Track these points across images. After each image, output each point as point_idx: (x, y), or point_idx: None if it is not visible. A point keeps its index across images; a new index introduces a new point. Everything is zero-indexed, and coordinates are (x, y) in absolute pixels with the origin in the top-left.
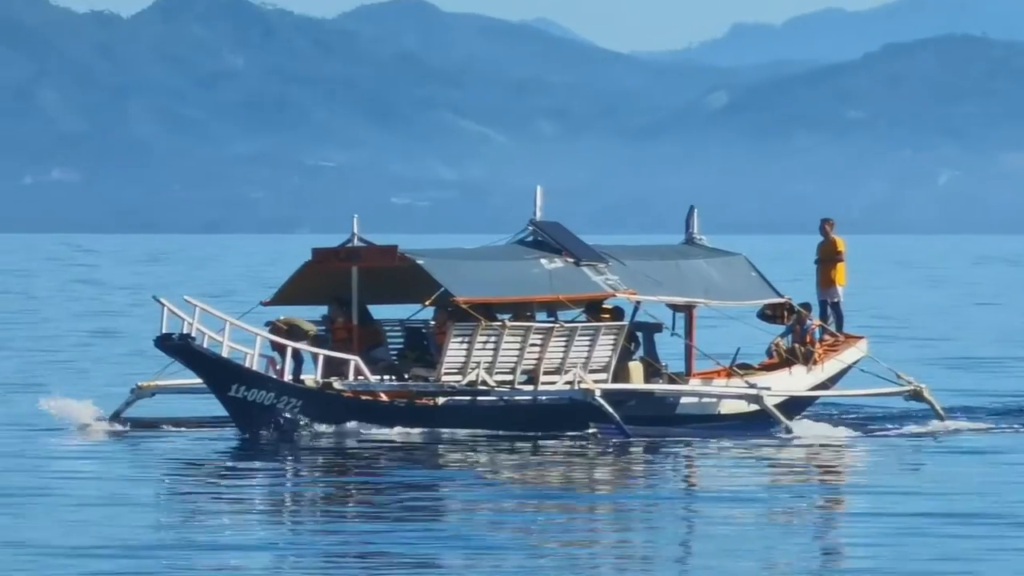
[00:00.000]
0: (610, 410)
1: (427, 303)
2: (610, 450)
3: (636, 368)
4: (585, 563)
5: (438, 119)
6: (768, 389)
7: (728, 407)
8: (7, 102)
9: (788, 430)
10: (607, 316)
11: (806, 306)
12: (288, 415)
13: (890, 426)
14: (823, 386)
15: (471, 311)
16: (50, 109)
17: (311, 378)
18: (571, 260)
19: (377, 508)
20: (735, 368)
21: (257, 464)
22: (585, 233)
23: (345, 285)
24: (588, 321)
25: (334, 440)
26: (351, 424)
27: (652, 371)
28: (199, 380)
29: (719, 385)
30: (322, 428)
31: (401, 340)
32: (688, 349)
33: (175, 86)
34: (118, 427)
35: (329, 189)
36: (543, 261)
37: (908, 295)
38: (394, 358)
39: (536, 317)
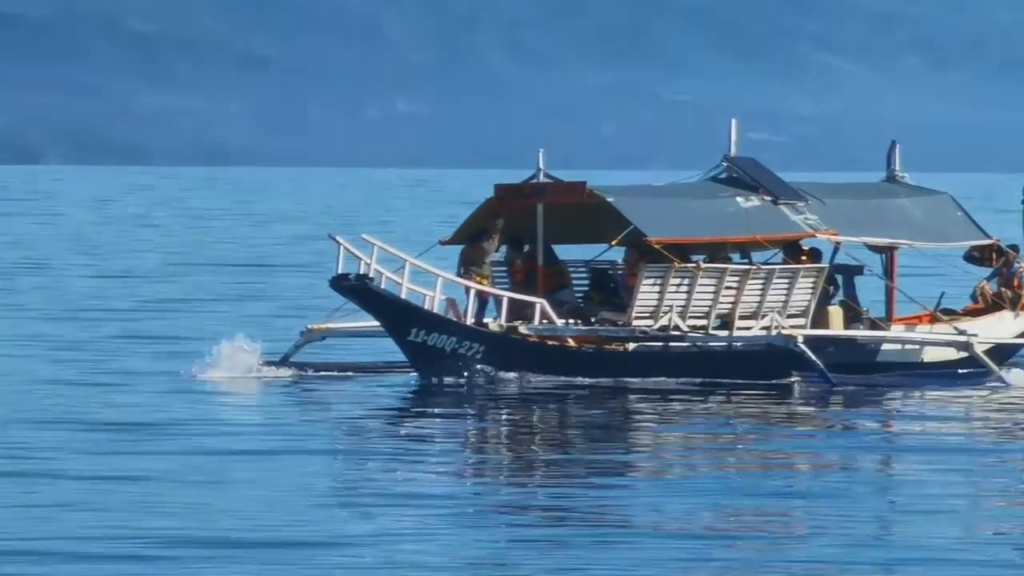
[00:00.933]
0: (813, 357)
1: (614, 243)
2: (812, 400)
3: (836, 313)
4: (777, 524)
5: (797, 52)
6: (976, 336)
7: (933, 354)
8: (352, 32)
9: (1001, 379)
10: (805, 258)
11: (1015, 248)
12: (471, 361)
13: None
14: None
15: (664, 251)
16: (397, 39)
17: (494, 322)
18: (768, 198)
19: (564, 463)
20: (939, 313)
21: (436, 411)
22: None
23: (528, 224)
24: (785, 263)
25: (518, 388)
26: (536, 371)
27: (852, 316)
28: (372, 323)
29: (924, 331)
30: (505, 375)
31: (586, 282)
32: (889, 293)
33: (527, 16)
34: (288, 371)
35: (684, 124)
36: (739, 199)
37: None
38: (579, 301)
39: (730, 259)
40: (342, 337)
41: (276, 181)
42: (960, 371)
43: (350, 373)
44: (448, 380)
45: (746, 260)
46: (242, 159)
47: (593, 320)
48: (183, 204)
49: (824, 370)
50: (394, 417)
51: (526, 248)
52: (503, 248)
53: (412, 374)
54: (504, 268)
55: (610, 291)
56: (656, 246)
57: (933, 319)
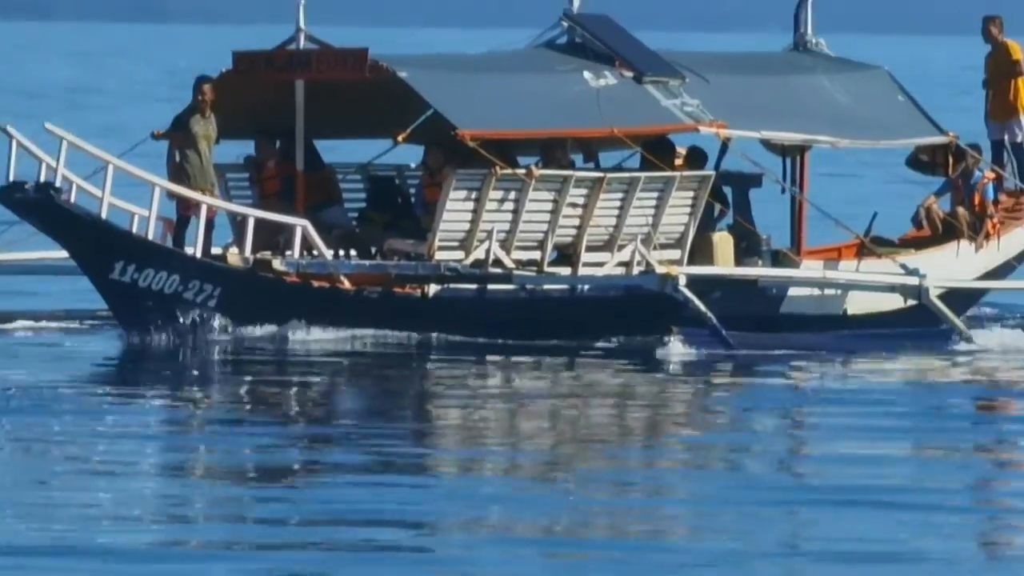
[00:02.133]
0: (701, 307)
1: (403, 138)
2: (694, 371)
3: (724, 242)
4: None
5: None
6: (927, 276)
7: (864, 303)
8: None
9: (967, 339)
10: (680, 162)
11: (975, 148)
12: (200, 309)
13: None
14: (1000, 272)
15: (481, 151)
16: None
17: (233, 253)
18: (628, 74)
19: (330, 461)
20: (870, 243)
21: (145, 386)
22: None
23: (282, 109)
24: (650, 169)
25: (269, 348)
26: (296, 325)
27: (748, 247)
28: (57, 253)
29: (853, 269)
30: (251, 329)
31: (363, 196)
32: (798, 213)
33: None
34: None
35: None
36: (587, 75)
37: None
38: (354, 223)
39: (572, 162)
40: (8, 275)
41: None
42: (908, 329)
43: (17, 326)
44: (166, 337)
45: (592, 165)
46: None
47: (375, 250)
48: None
49: (717, 325)
50: (79, 395)
51: (278, 145)
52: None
53: (114, 328)
54: (245, 174)
55: (398, 209)
56: (470, 143)
57: (861, 251)
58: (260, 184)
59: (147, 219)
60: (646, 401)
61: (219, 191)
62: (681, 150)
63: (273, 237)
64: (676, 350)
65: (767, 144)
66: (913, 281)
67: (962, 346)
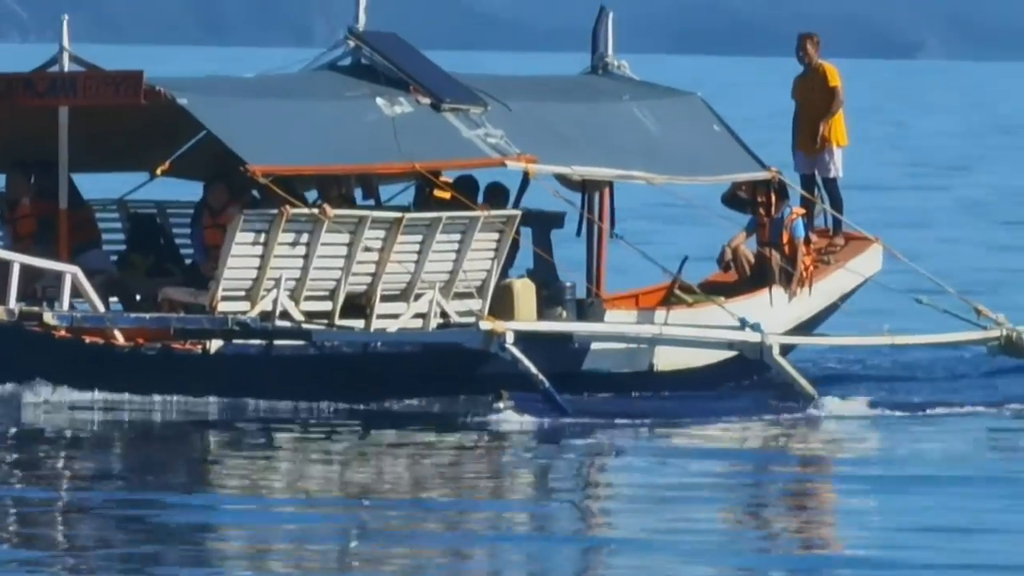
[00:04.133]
0: (532, 368)
1: (162, 170)
2: (524, 446)
3: (525, 290)
4: None
5: None
6: (765, 330)
7: (672, 358)
8: None
9: (816, 405)
10: (470, 200)
11: (780, 185)
12: None
13: (967, 403)
14: (816, 322)
15: (275, 188)
16: None
17: None
18: (426, 101)
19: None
20: (679, 288)
21: None
22: None
23: (39, 139)
24: (422, 205)
25: (29, 414)
26: (61, 383)
27: (551, 296)
28: None
29: (663, 320)
30: (12, 389)
31: (121, 236)
32: (598, 254)
33: None
34: None
35: None
36: (380, 102)
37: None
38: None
39: (352, 199)
40: None
41: None
42: (752, 393)
43: None
44: None
45: (372, 201)
46: None
47: (139, 298)
48: None
49: (551, 389)
50: None
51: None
52: None
53: None
54: None
55: (161, 251)
56: (262, 180)
57: (669, 299)
58: (13, 224)
59: None
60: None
61: None
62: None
63: (29, 285)
64: (507, 417)
65: (563, 179)
66: (754, 338)
67: (808, 410)
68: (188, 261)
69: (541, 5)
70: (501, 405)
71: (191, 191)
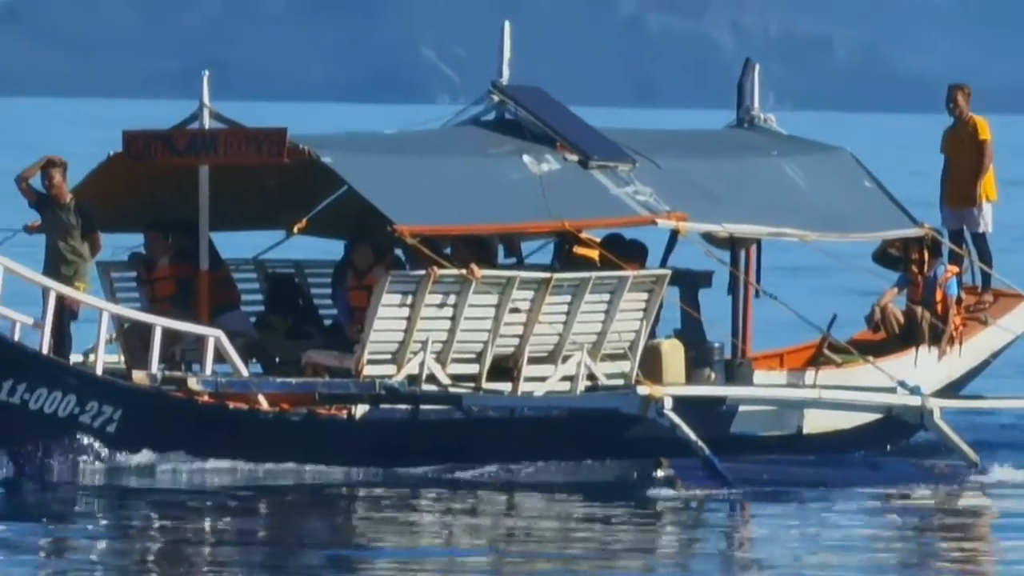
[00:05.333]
0: (692, 435)
1: (299, 228)
2: (688, 516)
3: (673, 351)
4: None
5: None
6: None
7: (819, 420)
8: None
9: (979, 470)
10: (601, 258)
11: (935, 241)
12: (96, 437)
13: None
14: (961, 382)
15: (423, 249)
16: None
17: (142, 372)
18: (573, 158)
19: None
20: (828, 349)
21: (34, 531)
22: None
23: (178, 199)
24: (561, 263)
25: (176, 483)
26: (207, 453)
27: (699, 357)
28: None
29: (830, 380)
30: (156, 458)
31: (259, 297)
32: (744, 312)
33: None
34: None
35: None
36: (527, 159)
37: None
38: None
39: (495, 258)
40: None
41: None
42: (909, 460)
43: None
44: (57, 471)
45: (515, 259)
46: None
47: (278, 360)
48: None
49: (713, 458)
50: None
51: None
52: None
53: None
54: (132, 273)
55: (300, 312)
56: (410, 240)
57: (818, 359)
58: (151, 286)
59: (40, 329)
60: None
61: (104, 293)
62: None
63: (167, 349)
64: (665, 486)
65: (709, 236)
66: (914, 401)
67: (969, 475)
68: (327, 322)
69: (685, 61)
70: (660, 472)
71: (327, 250)
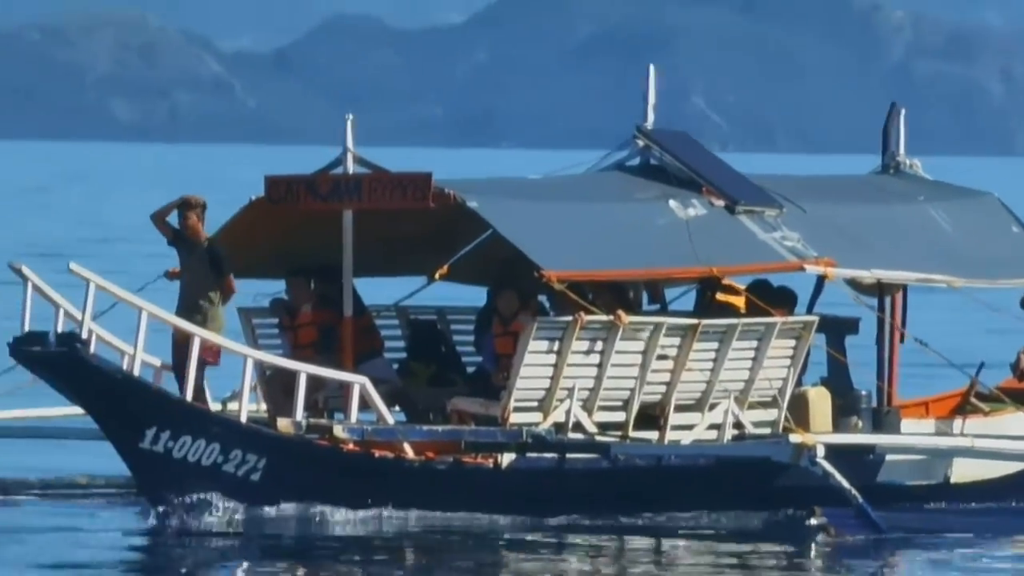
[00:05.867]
0: (845, 483)
1: (440, 274)
2: (840, 562)
3: (820, 399)
4: None
5: None
6: None
7: (967, 470)
8: None
9: None
10: (746, 304)
11: None
12: (241, 485)
13: None
14: None
15: (571, 295)
16: None
17: (285, 421)
18: (720, 203)
19: None
20: (975, 396)
21: None
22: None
23: (321, 245)
24: (704, 309)
25: (320, 531)
26: (350, 502)
27: (846, 405)
28: (71, 411)
29: (978, 429)
30: (302, 507)
31: (401, 344)
32: (890, 360)
33: None
34: None
35: None
36: (673, 204)
37: None
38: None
39: (639, 304)
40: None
41: None
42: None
43: (21, 498)
44: (201, 519)
45: (658, 306)
46: None
47: (420, 407)
48: None
49: (866, 507)
50: None
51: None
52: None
53: (131, 502)
54: (274, 319)
55: (442, 359)
56: (557, 286)
57: (965, 407)
58: (293, 332)
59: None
60: None
61: (245, 340)
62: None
63: (309, 396)
64: (818, 534)
65: (856, 282)
66: None
67: None
68: (469, 369)
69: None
70: (813, 520)
71: (467, 296)
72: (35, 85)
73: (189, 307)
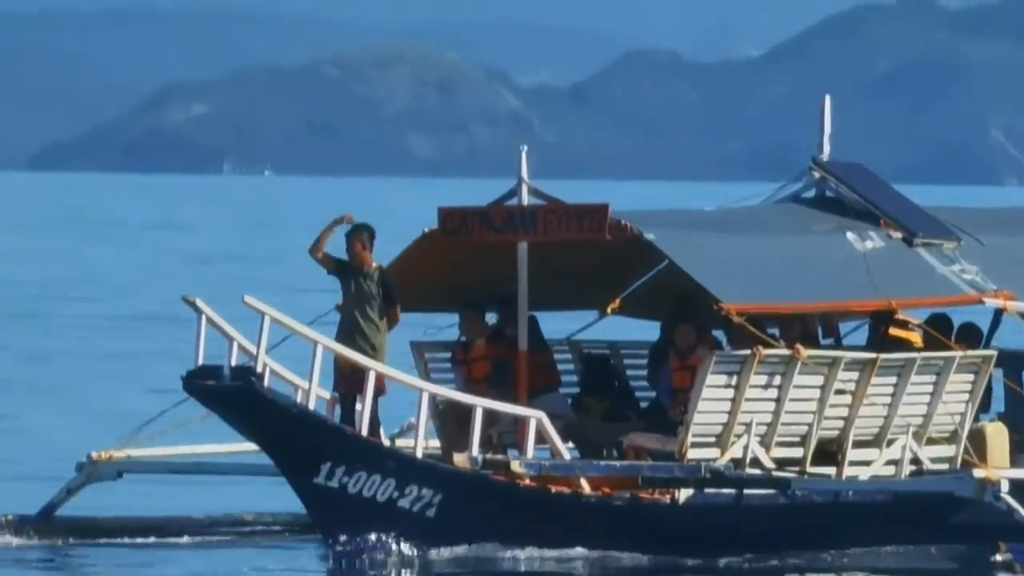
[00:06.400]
0: None
1: (612, 308)
2: None
3: (998, 435)
4: None
5: None
6: None
7: None
8: None
9: None
10: (919, 338)
11: None
12: (416, 521)
13: None
14: None
15: (750, 328)
16: None
17: (462, 455)
18: (897, 235)
19: None
20: None
21: None
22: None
23: (494, 277)
24: (877, 344)
25: (494, 570)
26: (528, 539)
27: (1023, 441)
28: (219, 447)
29: None
30: (477, 545)
31: (575, 378)
32: None
33: None
34: (46, 537)
35: None
36: (850, 237)
37: None
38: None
39: (816, 337)
40: (154, 474)
41: None
42: None
43: (171, 539)
44: (375, 555)
45: (832, 340)
46: None
47: (594, 442)
48: None
49: None
50: None
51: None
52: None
53: (305, 540)
54: (447, 354)
55: (615, 394)
56: (736, 319)
57: None
58: (467, 366)
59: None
60: None
61: (418, 374)
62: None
63: (483, 431)
64: (1004, 571)
65: None
66: None
67: None
68: (642, 404)
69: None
70: (998, 557)
71: (638, 330)
72: (332, 120)
73: (354, 336)
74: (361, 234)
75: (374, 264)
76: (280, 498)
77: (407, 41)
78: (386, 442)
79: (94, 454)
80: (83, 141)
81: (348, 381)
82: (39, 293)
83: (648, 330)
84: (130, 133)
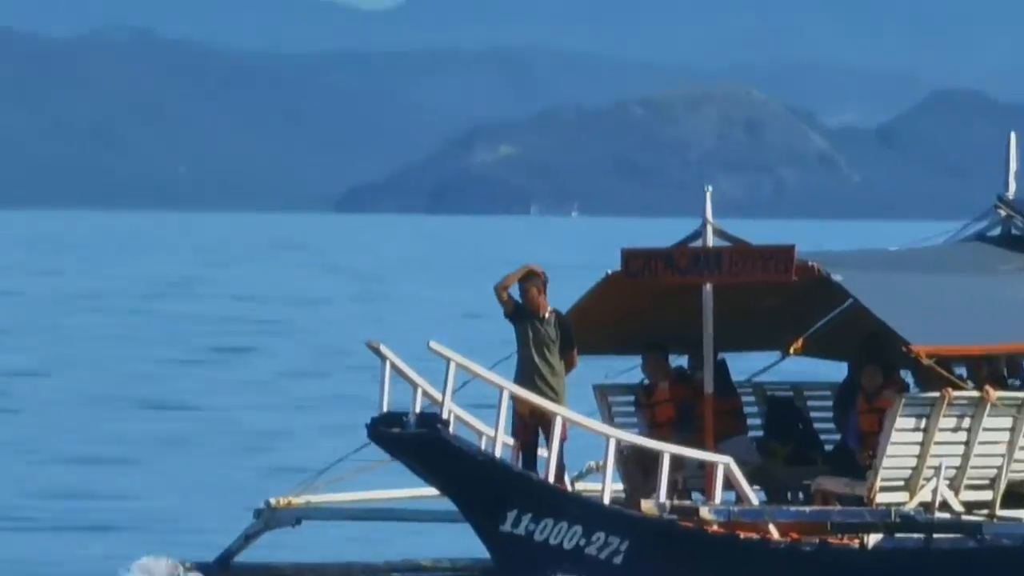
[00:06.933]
0: None
1: (796, 349)
2: None
3: None
4: None
5: None
6: None
7: None
8: None
9: None
10: None
11: None
12: (601, 568)
13: None
14: None
15: (939, 370)
16: None
17: (648, 502)
18: None
19: None
20: None
21: None
22: None
23: (678, 319)
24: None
25: None
26: None
27: None
28: (396, 493)
29: None
30: None
31: (759, 421)
32: None
33: None
34: None
35: None
36: None
37: None
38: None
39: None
40: (333, 520)
41: None
42: None
43: None
44: None
45: (1019, 381)
46: None
47: (780, 486)
48: None
49: None
50: None
51: (669, 361)
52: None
53: None
54: (630, 397)
55: (799, 437)
56: (926, 361)
57: None
58: (650, 410)
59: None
60: None
61: (601, 418)
62: None
63: (670, 476)
64: None
65: None
66: None
67: None
68: (827, 447)
69: None
70: None
71: (819, 371)
72: (639, 161)
73: (533, 380)
74: (536, 280)
75: (550, 308)
76: (460, 543)
77: (713, 82)
78: (570, 488)
79: (272, 500)
80: (390, 182)
81: (527, 427)
82: None
83: (829, 369)
84: (437, 174)
